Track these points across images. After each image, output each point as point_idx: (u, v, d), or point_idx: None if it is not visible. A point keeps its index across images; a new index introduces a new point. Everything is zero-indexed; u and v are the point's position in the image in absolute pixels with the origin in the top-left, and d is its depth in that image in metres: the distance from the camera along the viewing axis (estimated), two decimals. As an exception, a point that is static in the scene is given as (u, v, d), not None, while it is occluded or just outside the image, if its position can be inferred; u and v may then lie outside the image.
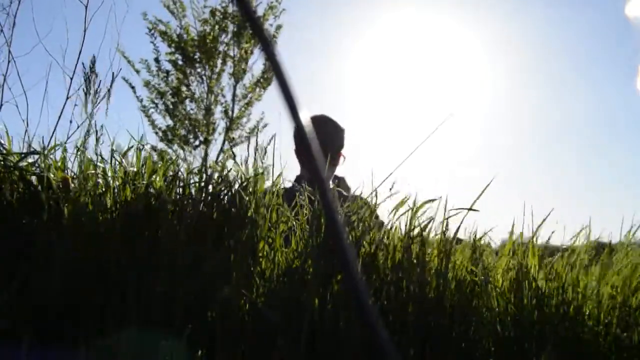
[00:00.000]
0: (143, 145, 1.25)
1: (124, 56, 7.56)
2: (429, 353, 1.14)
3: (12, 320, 1.04)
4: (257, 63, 7.85)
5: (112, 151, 1.23)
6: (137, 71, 7.65)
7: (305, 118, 0.37)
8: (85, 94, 1.37)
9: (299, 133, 0.37)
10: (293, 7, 7.97)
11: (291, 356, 1.04)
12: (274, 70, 0.38)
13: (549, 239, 1.30)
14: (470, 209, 1.23)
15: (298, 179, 2.10)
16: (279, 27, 7.89)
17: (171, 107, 7.62)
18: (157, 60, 7.64)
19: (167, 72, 7.66)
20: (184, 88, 7.63)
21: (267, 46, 0.38)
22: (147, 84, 7.63)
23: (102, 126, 1.34)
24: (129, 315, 1.06)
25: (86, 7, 1.87)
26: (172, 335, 1.02)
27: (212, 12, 7.51)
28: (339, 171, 2.24)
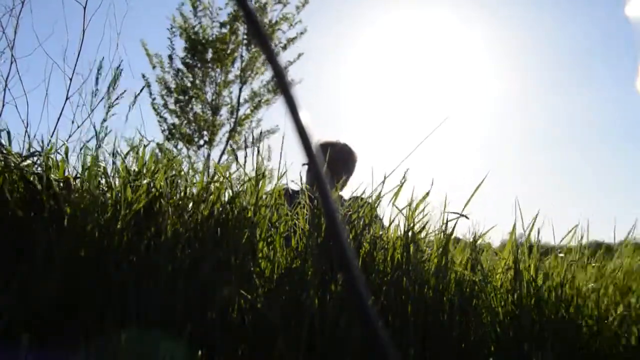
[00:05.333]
0: (148, 143, 1.25)
1: (145, 48, 7.70)
2: (429, 353, 1.14)
3: (11, 321, 1.04)
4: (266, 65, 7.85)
5: (114, 150, 1.23)
6: (154, 66, 7.72)
7: (305, 119, 0.37)
8: (92, 95, 1.37)
9: (299, 132, 0.37)
10: (293, 6, 7.96)
11: (291, 356, 1.04)
12: (277, 76, 0.38)
13: (544, 238, 1.30)
14: (470, 201, 1.23)
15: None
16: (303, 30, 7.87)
17: (180, 104, 7.65)
18: (170, 57, 7.69)
19: (178, 70, 7.70)
20: (193, 87, 7.65)
21: (271, 55, 0.38)
22: (161, 80, 7.67)
23: (101, 124, 1.34)
24: (129, 315, 1.06)
25: (85, 7, 1.87)
26: (172, 335, 1.02)
27: (233, 16, 7.48)
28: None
